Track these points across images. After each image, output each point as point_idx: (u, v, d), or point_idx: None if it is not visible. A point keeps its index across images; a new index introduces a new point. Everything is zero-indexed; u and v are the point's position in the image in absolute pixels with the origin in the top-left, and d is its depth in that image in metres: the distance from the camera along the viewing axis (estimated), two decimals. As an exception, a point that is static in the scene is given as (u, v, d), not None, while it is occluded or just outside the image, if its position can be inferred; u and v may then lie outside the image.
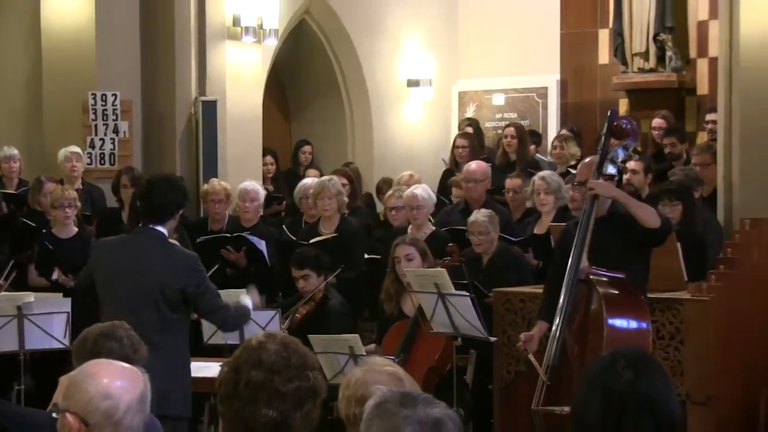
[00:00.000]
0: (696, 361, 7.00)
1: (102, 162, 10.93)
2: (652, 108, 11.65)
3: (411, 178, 10.69)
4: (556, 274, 6.71)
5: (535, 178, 9.15)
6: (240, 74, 11.44)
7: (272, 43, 11.87)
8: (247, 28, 11.33)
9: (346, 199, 9.58)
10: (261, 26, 11.48)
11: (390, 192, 10.02)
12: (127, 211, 9.33)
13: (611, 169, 6.68)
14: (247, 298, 7.00)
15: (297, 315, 8.27)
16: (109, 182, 10.24)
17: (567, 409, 5.79)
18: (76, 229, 9.18)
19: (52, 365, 7.65)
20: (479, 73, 13.91)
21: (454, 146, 11.65)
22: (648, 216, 6.51)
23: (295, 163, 12.74)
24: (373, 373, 3.53)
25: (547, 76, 13.25)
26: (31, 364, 8.09)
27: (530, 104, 13.69)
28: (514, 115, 13.54)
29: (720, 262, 7.39)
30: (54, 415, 3.18)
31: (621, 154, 6.76)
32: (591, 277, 6.55)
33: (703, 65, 11.93)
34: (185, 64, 11.09)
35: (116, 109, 10.90)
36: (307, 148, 12.75)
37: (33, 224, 9.30)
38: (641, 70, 12.12)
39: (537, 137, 12.58)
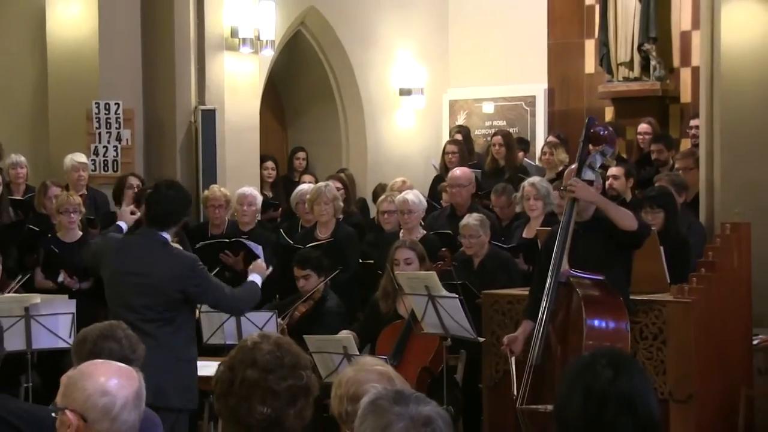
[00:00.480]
0: (678, 360, 7.02)
1: (105, 168, 10.98)
2: (637, 116, 11.74)
3: (404, 184, 10.71)
4: (541, 276, 6.81)
5: (525, 183, 9.21)
6: (238, 84, 11.51)
7: (269, 54, 11.95)
8: (244, 40, 11.42)
9: (341, 204, 9.64)
10: (258, 37, 11.57)
11: (382, 197, 10.05)
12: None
13: (589, 175, 6.79)
14: (253, 275, 7.04)
15: (296, 312, 8.37)
16: (111, 188, 10.35)
17: (551, 407, 5.94)
18: (80, 233, 9.24)
19: (58, 364, 7.66)
20: (469, 83, 13.98)
21: (444, 152, 11.72)
22: (625, 219, 6.64)
23: (290, 170, 12.78)
24: (365, 372, 3.55)
25: (535, 85, 13.33)
26: (37, 362, 8.21)
27: (519, 112, 13.73)
28: (503, 123, 13.58)
29: (701, 265, 7.39)
30: (54, 415, 3.27)
31: (599, 160, 6.88)
32: (571, 279, 6.67)
33: (686, 74, 12.05)
34: (185, 74, 11.17)
35: (119, 118, 10.96)
36: (301, 155, 12.81)
37: (38, 230, 9.36)
38: (626, 79, 12.23)
39: (525, 144, 12.64)
